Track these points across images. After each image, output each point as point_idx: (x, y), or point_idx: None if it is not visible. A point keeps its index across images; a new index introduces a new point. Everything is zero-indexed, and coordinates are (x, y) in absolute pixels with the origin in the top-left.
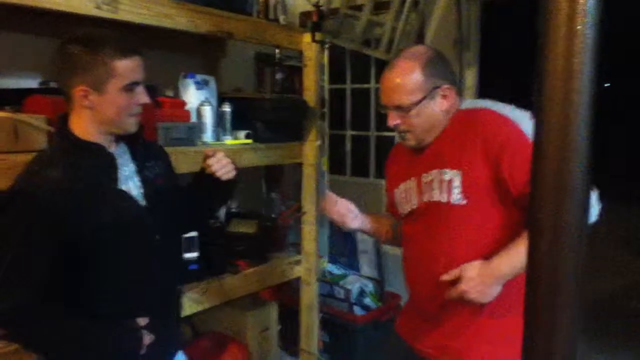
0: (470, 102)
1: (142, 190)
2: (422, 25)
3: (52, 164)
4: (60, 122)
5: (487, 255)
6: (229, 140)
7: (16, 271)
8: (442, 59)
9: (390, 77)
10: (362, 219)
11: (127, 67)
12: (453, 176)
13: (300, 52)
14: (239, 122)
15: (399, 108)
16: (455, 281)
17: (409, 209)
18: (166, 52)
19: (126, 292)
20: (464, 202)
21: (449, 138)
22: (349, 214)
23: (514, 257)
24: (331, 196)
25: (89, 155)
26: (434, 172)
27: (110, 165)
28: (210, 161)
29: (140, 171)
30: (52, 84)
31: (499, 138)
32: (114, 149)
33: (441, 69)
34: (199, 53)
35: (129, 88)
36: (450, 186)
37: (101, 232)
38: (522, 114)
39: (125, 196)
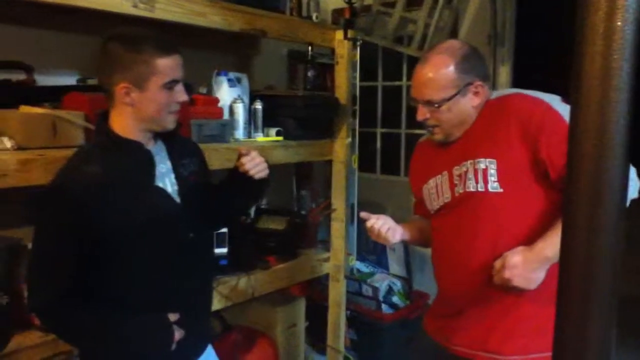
0: (495, 92)
1: (176, 188)
2: (455, 21)
3: (91, 160)
4: (100, 119)
5: (528, 240)
6: (260, 138)
7: (51, 265)
8: (476, 54)
9: (422, 72)
10: (401, 231)
11: (167, 65)
12: (488, 164)
13: (333, 50)
14: (270, 120)
15: (429, 103)
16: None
17: (441, 204)
18: (200, 50)
19: (159, 288)
20: (501, 190)
21: (480, 128)
22: (389, 231)
23: (557, 240)
24: (367, 216)
25: (127, 152)
26: (467, 163)
27: (148, 163)
28: (244, 159)
29: (175, 169)
30: (90, 81)
31: (535, 118)
32: (151, 146)
33: (475, 65)
34: (232, 51)
35: (169, 86)
36: (486, 175)
37: (137, 229)
38: (552, 96)
39: (162, 193)
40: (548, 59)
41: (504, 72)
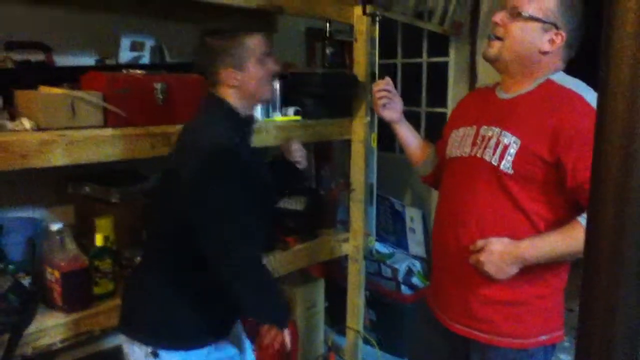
0: (565, 78)
1: None
2: None
3: (225, 130)
4: (214, 98)
5: (515, 232)
6: (278, 117)
7: (245, 219)
8: (579, 10)
9: None
10: (397, 116)
11: (257, 42)
12: (512, 143)
13: (351, 26)
14: (289, 98)
15: (514, 9)
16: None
17: (457, 154)
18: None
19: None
20: (511, 172)
21: (527, 102)
22: (385, 99)
23: (543, 247)
24: (387, 80)
25: (246, 126)
26: (496, 129)
27: (252, 133)
28: (293, 147)
29: None
30: (108, 61)
31: (580, 124)
32: None
33: (572, 18)
34: (250, 28)
35: (263, 60)
36: (504, 151)
37: (259, 193)
38: None
39: (263, 163)
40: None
41: None
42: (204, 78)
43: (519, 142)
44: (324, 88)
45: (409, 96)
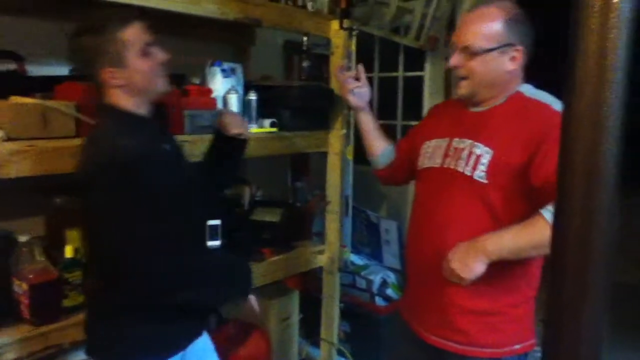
0: (532, 90)
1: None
2: (452, 11)
3: (116, 134)
4: (100, 102)
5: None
6: (254, 129)
7: (151, 237)
8: (527, 21)
9: (470, 16)
10: (362, 104)
11: (133, 33)
12: (484, 153)
13: (329, 40)
14: (265, 110)
15: (466, 49)
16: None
17: (429, 165)
18: (195, 41)
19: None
20: (486, 181)
21: (498, 115)
22: (351, 85)
23: (504, 239)
24: (359, 67)
25: (140, 123)
26: (468, 142)
27: (156, 131)
28: (226, 120)
29: (166, 139)
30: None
31: (546, 129)
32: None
33: (523, 30)
34: (227, 41)
35: (146, 51)
36: (477, 161)
37: (171, 187)
38: None
39: (180, 154)
40: (548, 48)
41: None
42: (88, 82)
43: (491, 152)
44: (300, 100)
45: (386, 109)
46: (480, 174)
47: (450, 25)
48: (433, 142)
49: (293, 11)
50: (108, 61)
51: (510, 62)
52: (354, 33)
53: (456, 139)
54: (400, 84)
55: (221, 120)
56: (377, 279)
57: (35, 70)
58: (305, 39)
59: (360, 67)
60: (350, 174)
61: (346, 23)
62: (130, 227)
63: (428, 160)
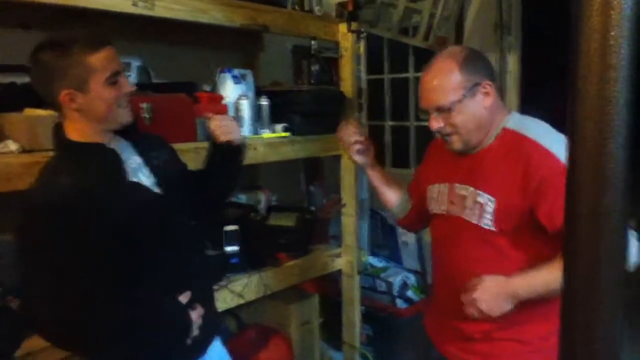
0: (518, 122)
1: (154, 180)
2: (461, 10)
3: (59, 172)
4: (55, 131)
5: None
6: (266, 134)
7: (57, 280)
8: (479, 55)
9: (427, 79)
10: (369, 160)
11: (102, 59)
12: (487, 201)
13: (337, 43)
14: (277, 116)
15: (440, 109)
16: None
17: (438, 211)
18: (204, 48)
19: (157, 278)
20: (494, 229)
21: (491, 156)
22: (354, 142)
23: (535, 281)
24: (355, 122)
25: (92, 156)
26: (470, 189)
27: (114, 161)
28: (212, 126)
29: (147, 162)
30: None
31: (540, 172)
32: (114, 144)
33: (479, 66)
34: (236, 48)
35: (112, 80)
36: (482, 210)
37: (121, 226)
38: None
39: (139, 187)
40: (557, 46)
41: (512, 61)
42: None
43: (494, 200)
44: (311, 105)
45: (398, 111)
46: (487, 222)
47: (459, 25)
48: (435, 187)
49: (300, 16)
50: (69, 83)
51: (485, 99)
52: (362, 35)
53: (457, 185)
54: (412, 84)
55: (208, 126)
56: (397, 281)
57: None
58: (313, 42)
59: (357, 122)
60: (365, 177)
61: (354, 26)
62: (44, 277)
63: (436, 206)
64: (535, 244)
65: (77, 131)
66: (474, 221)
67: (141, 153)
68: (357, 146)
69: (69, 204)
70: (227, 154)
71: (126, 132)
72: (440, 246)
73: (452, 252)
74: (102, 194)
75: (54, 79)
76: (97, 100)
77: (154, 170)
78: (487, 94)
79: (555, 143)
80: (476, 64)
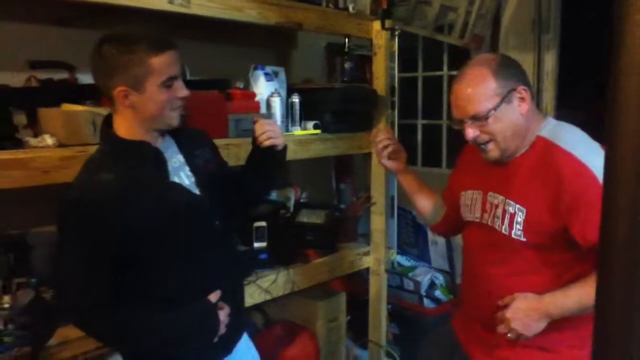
0: (552, 130)
1: (193, 179)
2: (498, 7)
3: (102, 168)
4: (104, 125)
5: (542, 290)
6: (297, 131)
7: (86, 274)
8: (511, 61)
9: (460, 89)
10: (401, 166)
11: (163, 63)
12: (517, 211)
13: (371, 41)
14: (309, 113)
15: (475, 118)
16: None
17: (471, 219)
18: (238, 46)
19: (191, 279)
20: (524, 239)
21: (524, 166)
22: (390, 148)
23: (568, 300)
24: (388, 129)
25: (136, 154)
26: (501, 198)
27: (158, 160)
28: (257, 131)
29: (189, 161)
30: None
31: (574, 189)
32: (159, 143)
33: (513, 72)
34: (270, 45)
35: (168, 84)
36: (512, 220)
37: (160, 228)
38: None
39: (178, 188)
40: (597, 46)
41: (550, 60)
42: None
43: (524, 210)
44: (342, 103)
45: (430, 109)
46: (517, 232)
47: (496, 23)
48: (469, 194)
49: (334, 14)
50: (126, 80)
51: (521, 104)
52: (396, 33)
53: (490, 193)
54: (445, 83)
55: (254, 129)
56: (425, 281)
57: (85, 78)
58: (347, 40)
59: (388, 128)
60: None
61: (388, 23)
62: (69, 271)
63: (469, 213)
64: (566, 260)
65: (125, 127)
66: (505, 232)
67: (184, 151)
68: (388, 150)
69: (106, 201)
70: (267, 158)
71: (173, 130)
72: (472, 253)
73: (482, 260)
74: (140, 194)
75: (112, 73)
76: (150, 101)
77: (195, 169)
78: (522, 99)
79: (589, 153)
80: (510, 69)
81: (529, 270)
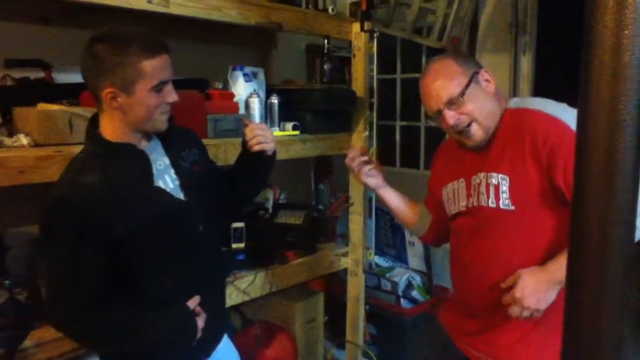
0: (519, 101)
1: (178, 183)
2: (475, 10)
3: (86, 169)
4: (89, 126)
5: (541, 258)
6: (276, 132)
7: (68, 278)
8: (466, 53)
9: (428, 82)
10: (381, 181)
11: (155, 67)
12: (500, 181)
13: (350, 42)
14: (288, 114)
15: (451, 102)
16: (511, 287)
17: (457, 210)
18: (218, 46)
19: (173, 282)
20: (512, 207)
21: (498, 137)
22: (363, 165)
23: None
24: (362, 148)
25: (120, 156)
26: (481, 175)
27: (143, 163)
28: (248, 135)
29: (174, 163)
30: None
31: (550, 140)
32: (145, 145)
33: (470, 59)
34: (250, 46)
35: (158, 88)
36: (498, 191)
37: (141, 231)
38: (574, 114)
39: (162, 192)
40: (572, 48)
41: (526, 62)
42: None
43: (507, 178)
44: (322, 103)
45: (408, 111)
46: (505, 202)
47: (473, 25)
48: (449, 186)
49: (314, 15)
50: (115, 81)
51: (488, 84)
52: (375, 35)
53: (473, 177)
54: None
55: (245, 133)
56: (402, 281)
57: (62, 77)
58: (326, 42)
59: (363, 147)
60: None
61: (367, 25)
62: (55, 271)
63: (453, 205)
64: (559, 223)
65: (111, 129)
66: (493, 205)
67: (170, 153)
68: (367, 169)
69: (91, 202)
70: (256, 161)
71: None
72: (462, 241)
73: (474, 244)
74: (124, 197)
75: (102, 73)
76: (139, 105)
77: (180, 172)
78: (487, 81)
79: (557, 109)
80: (467, 58)
81: (524, 242)
